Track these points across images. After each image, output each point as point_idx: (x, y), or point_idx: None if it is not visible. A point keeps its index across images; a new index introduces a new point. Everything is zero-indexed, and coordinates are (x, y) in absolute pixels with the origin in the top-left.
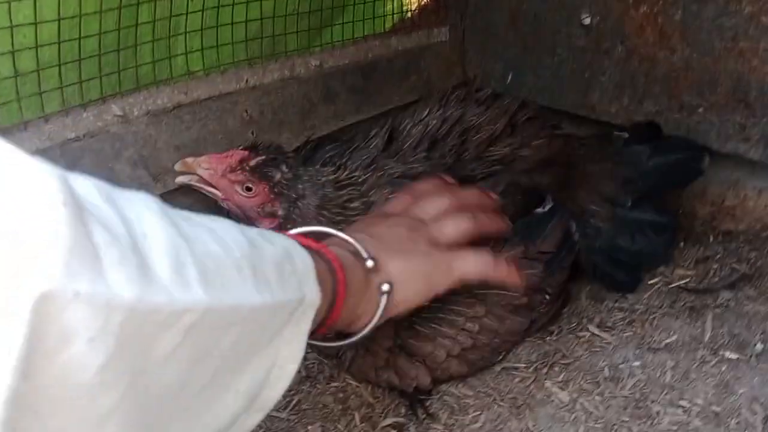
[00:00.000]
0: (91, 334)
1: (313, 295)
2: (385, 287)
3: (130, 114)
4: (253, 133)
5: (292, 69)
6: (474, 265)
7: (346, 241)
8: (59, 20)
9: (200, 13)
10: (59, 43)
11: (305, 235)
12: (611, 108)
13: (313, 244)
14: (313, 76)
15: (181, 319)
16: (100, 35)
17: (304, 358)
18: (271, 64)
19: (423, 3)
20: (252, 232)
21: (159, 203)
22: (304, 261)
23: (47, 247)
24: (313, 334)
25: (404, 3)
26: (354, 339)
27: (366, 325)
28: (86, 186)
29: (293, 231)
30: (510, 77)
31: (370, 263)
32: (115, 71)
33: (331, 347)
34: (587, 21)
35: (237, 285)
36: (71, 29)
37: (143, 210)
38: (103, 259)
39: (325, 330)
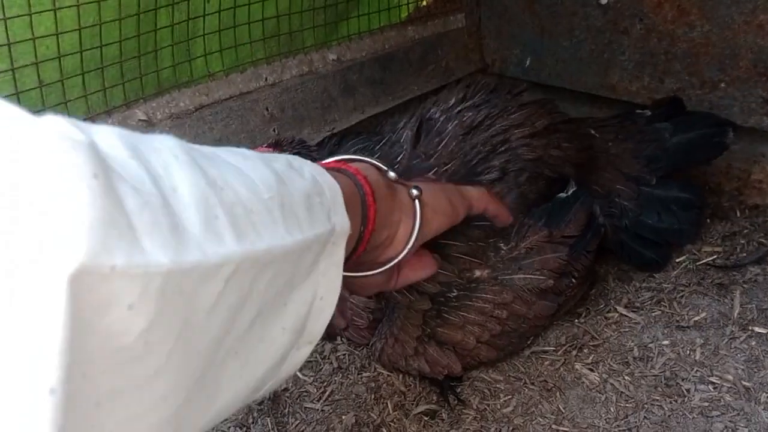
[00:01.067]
0: (130, 300)
1: (343, 225)
2: (414, 192)
3: (153, 118)
4: (274, 131)
5: (311, 64)
6: (478, 196)
7: (369, 162)
8: (80, 30)
9: (217, 14)
10: (81, 52)
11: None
12: (632, 87)
13: (336, 164)
14: (331, 70)
15: (219, 272)
16: (120, 42)
17: (335, 350)
18: (289, 61)
19: None
20: (280, 163)
21: (183, 146)
22: (332, 189)
23: (81, 224)
24: (352, 259)
25: None
26: (402, 254)
27: (408, 240)
28: (111, 140)
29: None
30: (529, 61)
31: (392, 174)
32: (137, 77)
33: (381, 272)
34: (604, 0)
35: (268, 229)
36: (92, 38)
37: (170, 159)
38: (136, 228)
39: (364, 247)
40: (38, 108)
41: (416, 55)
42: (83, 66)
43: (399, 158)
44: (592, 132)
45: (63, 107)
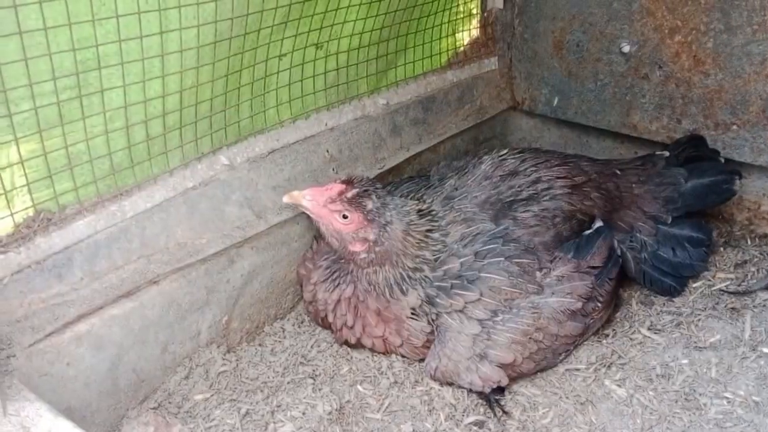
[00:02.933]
0: None
1: None
2: None
3: (234, 162)
4: (334, 170)
5: (364, 109)
6: None
7: None
8: (181, 92)
9: (288, 71)
10: (181, 110)
11: None
12: (652, 127)
13: None
14: (381, 113)
15: None
16: (211, 100)
17: (391, 366)
18: (345, 107)
19: (474, 37)
20: None
21: None
22: None
23: None
24: None
25: (457, 39)
26: None
27: None
28: None
29: None
30: (556, 100)
31: None
32: (222, 127)
33: None
34: (626, 49)
35: None
36: (189, 98)
37: None
38: None
39: None
40: (145, 158)
41: (454, 96)
42: (182, 121)
43: (439, 194)
44: (618, 172)
45: (164, 156)
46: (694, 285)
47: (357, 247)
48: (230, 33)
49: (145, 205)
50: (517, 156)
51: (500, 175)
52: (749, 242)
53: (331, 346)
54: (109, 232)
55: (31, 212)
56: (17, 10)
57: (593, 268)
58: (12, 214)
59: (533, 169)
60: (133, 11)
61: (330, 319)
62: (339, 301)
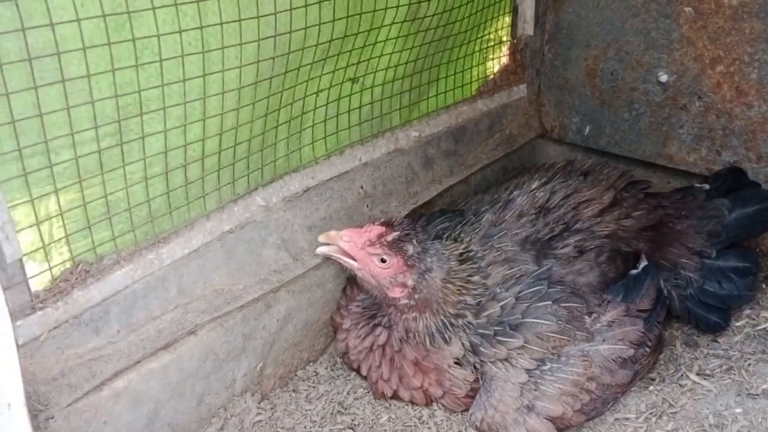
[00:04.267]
0: None
1: None
2: None
3: (270, 202)
4: (368, 207)
5: (396, 142)
6: None
7: None
8: (221, 134)
9: (324, 107)
10: (220, 153)
11: None
12: (689, 158)
13: None
14: (413, 146)
15: None
16: (249, 141)
17: (432, 415)
18: (379, 141)
19: (503, 65)
20: None
21: None
22: None
23: None
24: None
25: (487, 68)
26: None
27: None
28: None
29: None
30: (588, 129)
31: None
32: (258, 167)
33: None
34: (664, 79)
35: None
36: (228, 140)
37: None
38: None
39: None
40: (183, 203)
41: (484, 125)
42: (220, 164)
43: (476, 231)
44: (657, 201)
45: (201, 200)
46: (738, 324)
47: (395, 293)
48: (271, 72)
49: (183, 252)
50: (546, 188)
51: (534, 212)
52: None
53: (368, 392)
54: (146, 282)
55: (68, 264)
56: (60, 57)
57: (642, 311)
58: (50, 268)
59: (563, 201)
60: (176, 54)
61: (364, 371)
62: (372, 350)
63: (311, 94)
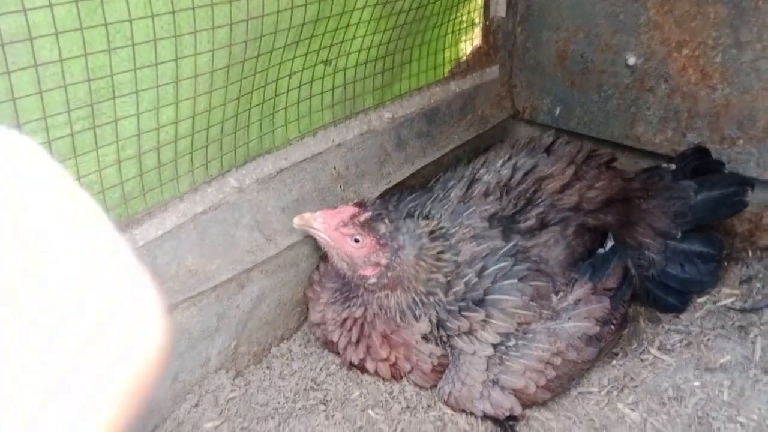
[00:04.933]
0: None
1: None
2: None
3: (243, 184)
4: (341, 187)
5: (369, 123)
6: None
7: None
8: (194, 117)
9: (297, 89)
10: (193, 135)
11: None
12: (656, 139)
13: None
14: (386, 127)
15: None
16: (222, 123)
17: (403, 390)
18: (352, 122)
19: (476, 47)
20: None
21: None
22: None
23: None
24: None
25: (459, 49)
26: None
27: None
28: None
29: None
30: (558, 110)
31: None
32: (231, 150)
33: None
34: (632, 61)
35: None
36: (201, 122)
37: None
38: None
39: None
40: (156, 185)
41: (457, 106)
42: (193, 146)
43: (446, 208)
44: (620, 175)
45: (174, 182)
46: (699, 301)
47: (368, 272)
48: (243, 56)
49: (156, 233)
50: (509, 164)
51: (500, 189)
52: (750, 254)
53: (340, 369)
54: None
55: None
56: (33, 42)
57: (609, 290)
58: None
59: (525, 177)
60: (149, 38)
61: (335, 338)
62: (347, 319)
63: (284, 77)
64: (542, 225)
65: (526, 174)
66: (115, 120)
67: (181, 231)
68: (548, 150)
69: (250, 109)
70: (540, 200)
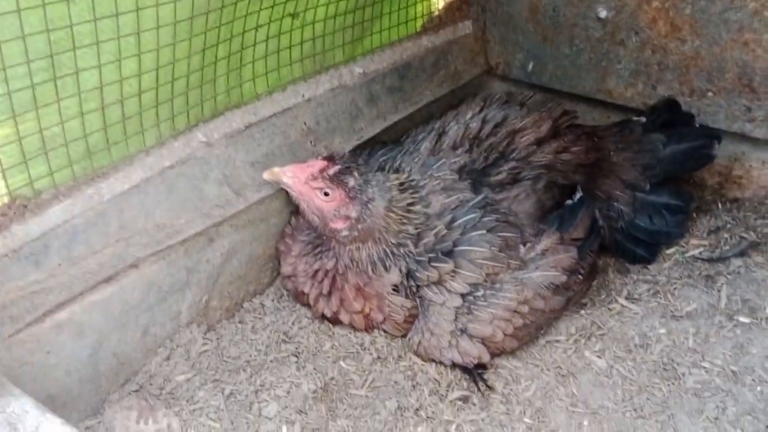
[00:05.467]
0: None
1: None
2: None
3: (211, 138)
4: (311, 143)
5: (340, 78)
6: None
7: None
8: (158, 69)
9: (265, 42)
10: (157, 88)
11: None
12: (627, 93)
13: None
14: (357, 82)
15: None
16: (188, 76)
17: (374, 341)
18: (322, 77)
19: (448, 1)
20: None
21: None
22: None
23: None
24: None
25: (432, 3)
26: None
27: None
28: None
29: None
30: (531, 65)
31: None
32: (198, 104)
33: None
34: (603, 14)
35: None
36: (166, 75)
37: None
38: None
39: None
40: (121, 139)
41: (429, 62)
42: (158, 99)
43: (416, 161)
44: (596, 140)
45: (140, 135)
46: (668, 252)
47: (339, 225)
48: (207, 7)
49: (123, 187)
50: (479, 117)
51: (469, 142)
52: (720, 207)
53: (312, 322)
54: (86, 217)
55: (6, 199)
56: None
57: (576, 240)
58: None
59: (496, 129)
60: None
61: (306, 289)
62: (318, 271)
63: (250, 30)
64: (514, 180)
65: (496, 126)
66: (76, 72)
67: (148, 185)
68: (522, 103)
69: (216, 63)
70: (513, 155)
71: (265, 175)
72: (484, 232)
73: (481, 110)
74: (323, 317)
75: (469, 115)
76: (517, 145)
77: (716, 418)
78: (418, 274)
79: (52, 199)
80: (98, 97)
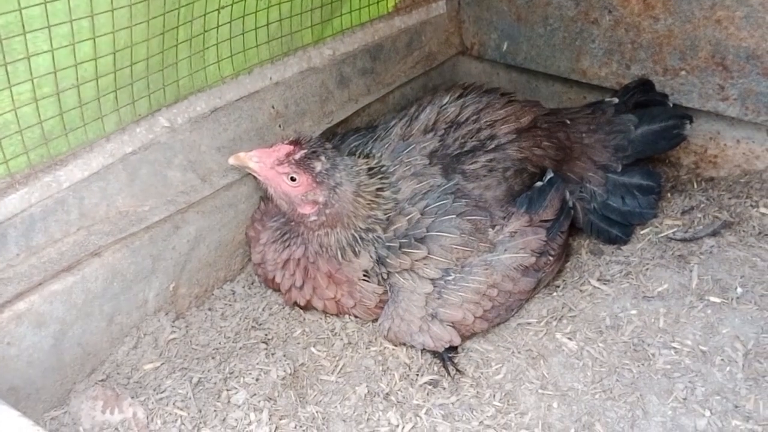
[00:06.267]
0: None
1: None
2: None
3: (174, 123)
4: (280, 126)
5: (309, 60)
6: None
7: None
8: (114, 53)
9: (228, 24)
10: (115, 72)
11: None
12: (601, 72)
13: None
14: (327, 64)
15: None
16: (147, 60)
17: (344, 327)
18: (290, 59)
19: None
20: None
21: None
22: None
23: None
24: None
25: None
26: None
27: None
28: None
29: None
30: (506, 45)
31: None
32: (160, 88)
33: None
34: None
35: None
36: (123, 58)
37: None
38: None
39: None
40: (79, 125)
41: (402, 42)
42: (116, 83)
43: (387, 146)
44: (568, 122)
45: (99, 121)
46: (642, 232)
47: (306, 210)
48: None
49: (82, 174)
50: (457, 102)
51: (444, 127)
52: (695, 186)
53: (283, 308)
54: (44, 205)
55: None
56: None
57: (545, 221)
58: None
59: (475, 116)
60: None
61: (278, 279)
62: (288, 260)
63: (212, 11)
64: (489, 171)
65: (476, 113)
66: (27, 56)
67: (109, 172)
68: (503, 93)
69: (177, 46)
70: (493, 145)
71: (231, 161)
72: (454, 216)
73: (459, 96)
74: (296, 305)
75: (446, 100)
76: (498, 133)
77: (685, 399)
78: (389, 260)
79: (8, 188)
80: (52, 82)
